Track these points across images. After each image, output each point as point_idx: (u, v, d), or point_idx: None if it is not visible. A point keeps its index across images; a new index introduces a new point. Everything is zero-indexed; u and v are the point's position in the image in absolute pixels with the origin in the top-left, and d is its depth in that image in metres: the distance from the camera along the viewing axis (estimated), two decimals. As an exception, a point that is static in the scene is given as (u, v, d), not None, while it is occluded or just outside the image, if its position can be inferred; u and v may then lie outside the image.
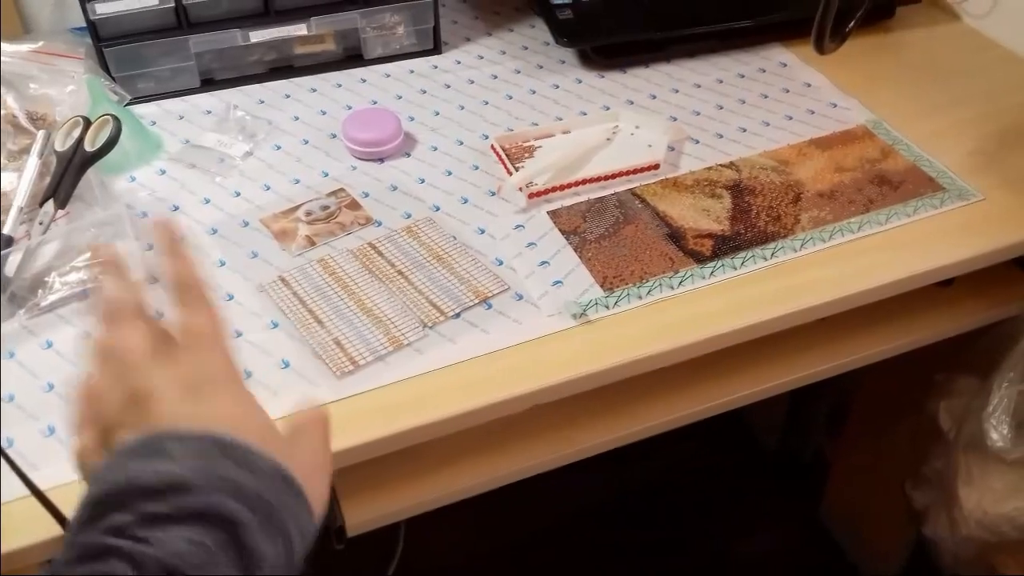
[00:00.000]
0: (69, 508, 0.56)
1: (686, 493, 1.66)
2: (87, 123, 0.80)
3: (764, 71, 1.03)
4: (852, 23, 0.86)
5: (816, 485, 1.57)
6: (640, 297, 0.75)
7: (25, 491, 0.54)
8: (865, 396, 1.36)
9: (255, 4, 0.97)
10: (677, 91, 1.00)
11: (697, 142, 0.92)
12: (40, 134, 0.79)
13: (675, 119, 0.95)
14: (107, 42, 0.94)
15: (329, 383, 0.68)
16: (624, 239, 0.81)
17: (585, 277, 0.77)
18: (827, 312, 0.78)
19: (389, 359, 0.70)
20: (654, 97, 0.99)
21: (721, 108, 0.97)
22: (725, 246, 0.80)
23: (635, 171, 0.88)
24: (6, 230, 0.72)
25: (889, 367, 0.96)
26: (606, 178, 0.87)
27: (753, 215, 0.83)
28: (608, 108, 0.97)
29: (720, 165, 0.89)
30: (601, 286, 0.76)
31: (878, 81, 1.01)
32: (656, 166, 0.88)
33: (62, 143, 0.79)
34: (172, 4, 0.93)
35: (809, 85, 1.01)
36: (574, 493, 1.59)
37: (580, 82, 1.02)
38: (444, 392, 0.68)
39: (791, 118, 0.96)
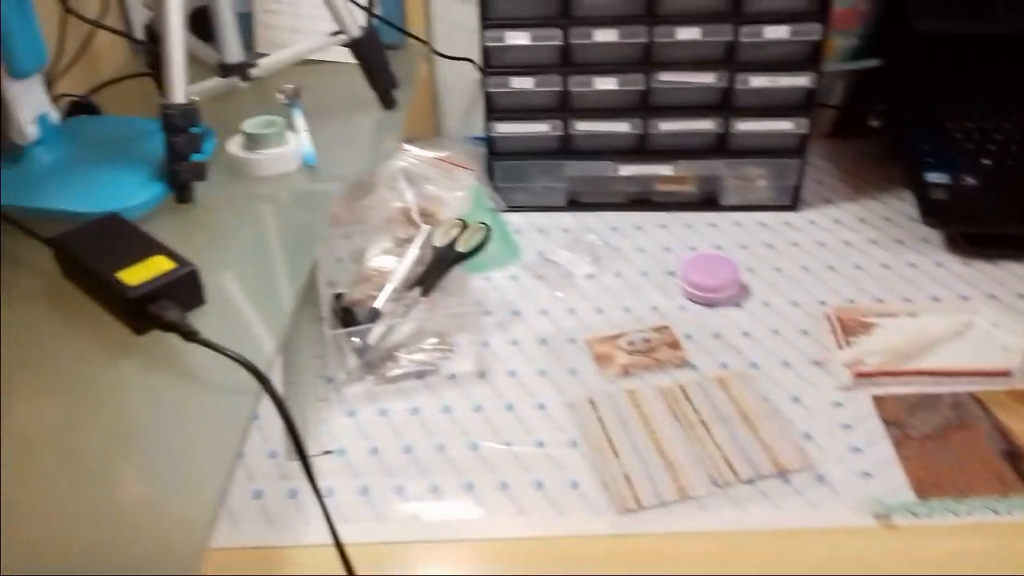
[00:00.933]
0: (363, 565, 0.62)
1: None
2: (465, 226, 0.92)
3: None
4: None
5: None
6: (957, 514, 0.69)
7: (328, 540, 0.58)
8: None
9: (630, 141, 1.05)
10: (1052, 295, 0.91)
11: (1065, 356, 0.83)
12: (425, 229, 0.92)
13: (1043, 325, 0.87)
14: (498, 156, 1.07)
15: (609, 516, 0.70)
16: (952, 445, 0.75)
17: (899, 475, 0.72)
18: None
19: (672, 507, 0.70)
20: (1022, 296, 0.91)
21: (1103, 324, 0.87)
22: (1074, 482, 0.71)
23: (982, 373, 0.81)
24: (378, 304, 0.85)
25: None
26: (947, 374, 0.81)
27: (1117, 456, 0.73)
28: (966, 298, 0.91)
29: (1088, 389, 0.79)
30: (915, 490, 0.71)
31: None
32: (1008, 373, 0.81)
33: (440, 240, 0.91)
34: (560, 132, 1.04)
35: None
36: None
37: (940, 265, 0.96)
38: (722, 558, 0.67)
39: None
